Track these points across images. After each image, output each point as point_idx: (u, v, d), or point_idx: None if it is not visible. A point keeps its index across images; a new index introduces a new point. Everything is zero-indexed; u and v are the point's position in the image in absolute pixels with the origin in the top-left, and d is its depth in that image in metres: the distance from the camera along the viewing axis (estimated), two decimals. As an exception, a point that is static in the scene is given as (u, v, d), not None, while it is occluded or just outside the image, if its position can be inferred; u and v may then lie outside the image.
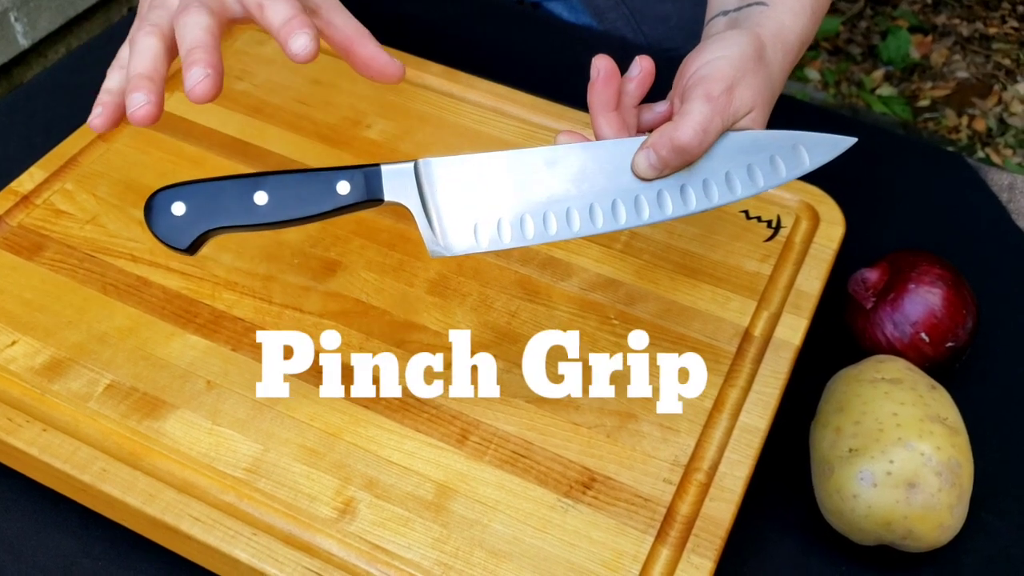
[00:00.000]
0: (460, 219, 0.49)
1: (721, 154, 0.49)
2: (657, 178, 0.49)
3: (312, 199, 0.49)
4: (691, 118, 0.48)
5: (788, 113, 0.78)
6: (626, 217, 0.49)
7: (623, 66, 0.51)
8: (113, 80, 0.50)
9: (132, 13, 0.84)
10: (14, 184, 0.64)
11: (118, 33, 0.82)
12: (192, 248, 0.49)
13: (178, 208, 0.48)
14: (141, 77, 0.47)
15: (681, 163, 0.49)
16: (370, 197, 0.49)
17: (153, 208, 0.48)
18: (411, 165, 0.49)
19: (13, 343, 0.57)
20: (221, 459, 0.52)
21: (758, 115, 0.51)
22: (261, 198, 0.49)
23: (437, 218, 0.49)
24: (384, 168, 0.49)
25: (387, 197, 0.49)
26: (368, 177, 0.49)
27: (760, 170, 0.50)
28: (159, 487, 0.50)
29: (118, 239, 0.62)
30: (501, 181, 0.49)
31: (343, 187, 0.49)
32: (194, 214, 0.48)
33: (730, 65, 0.50)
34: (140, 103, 0.46)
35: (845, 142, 0.50)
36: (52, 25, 1.45)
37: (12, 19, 1.39)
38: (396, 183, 0.49)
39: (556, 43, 0.82)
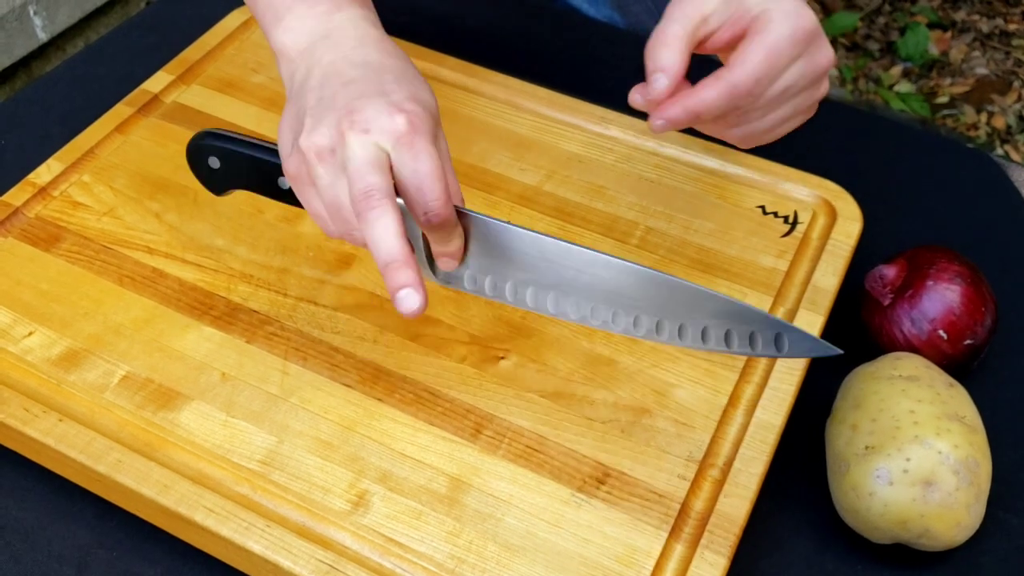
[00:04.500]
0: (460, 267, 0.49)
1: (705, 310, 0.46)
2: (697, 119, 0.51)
3: None
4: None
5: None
6: (601, 323, 0.48)
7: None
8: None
9: (149, 6, 0.84)
10: (32, 176, 0.65)
11: (136, 26, 0.82)
12: (224, 193, 0.55)
13: (214, 162, 0.53)
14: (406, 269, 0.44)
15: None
16: None
17: (193, 154, 0.54)
18: None
19: (30, 334, 0.57)
20: (235, 451, 0.52)
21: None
22: (285, 184, 0.51)
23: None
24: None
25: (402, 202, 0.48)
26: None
27: (737, 340, 0.46)
28: (174, 478, 0.51)
29: (135, 231, 0.62)
30: (507, 254, 0.48)
31: None
32: (227, 172, 0.53)
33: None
34: (412, 301, 0.44)
35: (831, 351, 0.45)
36: (71, 19, 1.46)
37: (31, 13, 1.39)
38: None
39: (572, 37, 0.82)
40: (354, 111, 0.45)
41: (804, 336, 0.45)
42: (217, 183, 0.54)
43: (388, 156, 0.45)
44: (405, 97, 0.46)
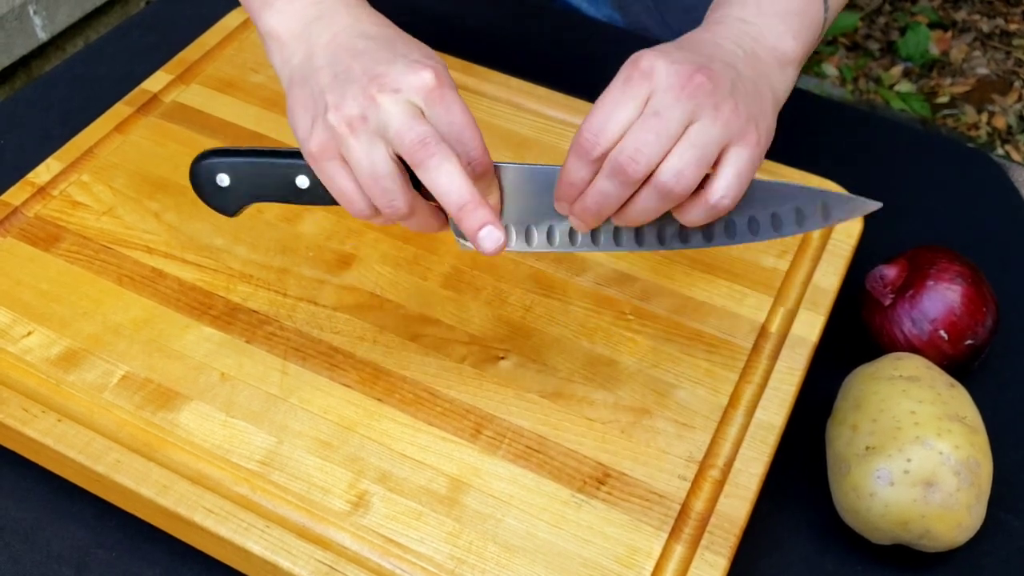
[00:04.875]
0: None
1: (749, 199, 0.49)
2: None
3: None
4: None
5: (805, 109, 0.78)
6: (657, 243, 0.50)
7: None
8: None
9: (149, 6, 0.84)
10: (31, 175, 0.64)
11: (135, 26, 0.82)
12: (236, 214, 0.53)
13: (223, 180, 0.51)
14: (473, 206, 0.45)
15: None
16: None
17: (198, 176, 0.51)
18: None
19: (29, 333, 0.57)
20: (235, 451, 0.52)
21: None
22: (303, 182, 0.50)
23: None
24: None
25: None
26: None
27: (784, 220, 0.49)
28: (173, 478, 0.51)
29: (134, 231, 0.62)
30: (531, 190, 0.49)
31: None
32: (239, 188, 0.51)
33: None
34: (494, 237, 0.45)
35: (871, 205, 0.49)
36: (71, 18, 1.46)
37: (31, 12, 1.39)
38: None
39: (572, 36, 0.82)
40: (379, 76, 0.45)
41: (843, 198, 0.48)
42: (229, 201, 0.52)
43: (422, 111, 0.45)
44: (422, 55, 0.47)
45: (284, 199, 0.51)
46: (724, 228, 0.49)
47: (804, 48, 0.52)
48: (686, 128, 0.45)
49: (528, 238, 0.50)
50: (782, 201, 0.49)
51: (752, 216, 0.49)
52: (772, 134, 0.48)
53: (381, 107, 0.45)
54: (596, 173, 0.46)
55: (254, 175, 0.51)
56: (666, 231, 0.50)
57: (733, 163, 0.45)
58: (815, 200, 0.49)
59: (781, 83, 0.50)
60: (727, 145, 0.45)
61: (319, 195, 0.50)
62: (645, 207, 0.46)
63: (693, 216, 0.47)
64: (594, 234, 0.50)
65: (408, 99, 0.45)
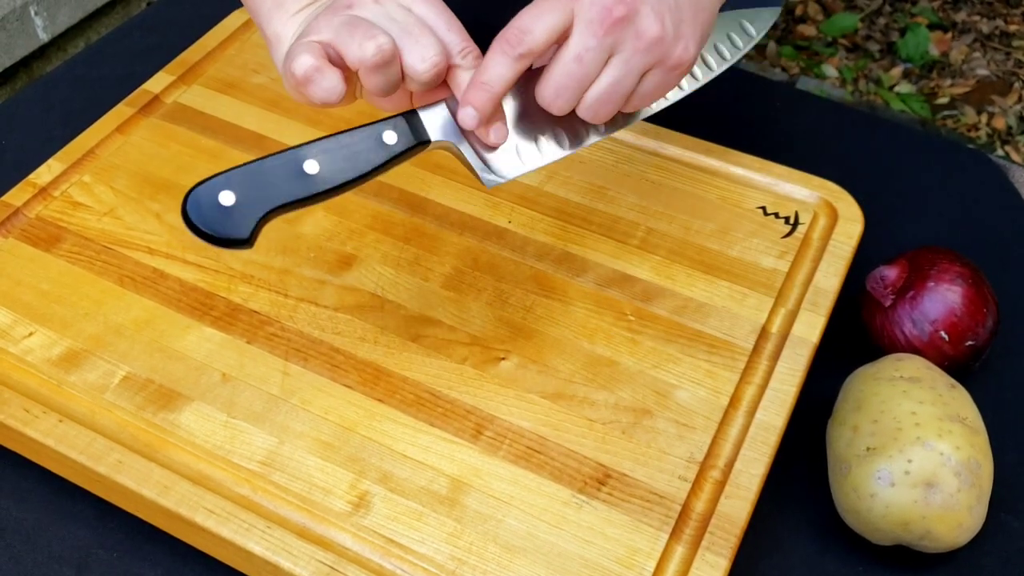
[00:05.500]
0: (502, 145, 0.50)
1: None
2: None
3: (363, 156, 0.48)
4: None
5: (805, 110, 0.78)
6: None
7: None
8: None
9: (150, 7, 0.84)
10: (32, 176, 0.65)
11: (136, 26, 0.82)
12: (251, 239, 0.45)
13: (227, 198, 0.45)
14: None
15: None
16: (418, 141, 0.49)
17: (198, 204, 0.45)
18: (443, 104, 0.49)
19: (30, 334, 0.57)
20: (236, 452, 0.52)
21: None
22: (312, 167, 0.47)
23: (481, 149, 0.50)
24: (421, 112, 0.49)
25: (433, 137, 0.49)
26: (410, 122, 0.49)
27: (723, 46, 0.55)
28: (174, 479, 0.51)
29: (135, 231, 0.62)
30: (524, 103, 0.50)
31: (390, 137, 0.48)
32: (247, 201, 0.45)
33: None
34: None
35: (774, 11, 0.57)
36: (72, 19, 1.46)
37: (32, 13, 1.39)
38: (436, 123, 0.49)
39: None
40: None
41: (754, 13, 0.56)
42: (237, 222, 0.45)
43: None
44: None
45: (294, 198, 0.47)
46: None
47: None
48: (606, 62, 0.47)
49: (520, 152, 0.51)
50: (714, 31, 0.55)
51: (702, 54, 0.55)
52: (699, 44, 0.50)
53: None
54: (515, 74, 0.47)
55: (259, 178, 0.46)
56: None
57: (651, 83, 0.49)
58: (734, 22, 0.56)
59: None
60: (649, 68, 0.48)
61: (329, 179, 0.47)
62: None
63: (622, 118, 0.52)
64: (561, 135, 0.52)
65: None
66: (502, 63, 0.47)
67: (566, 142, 0.51)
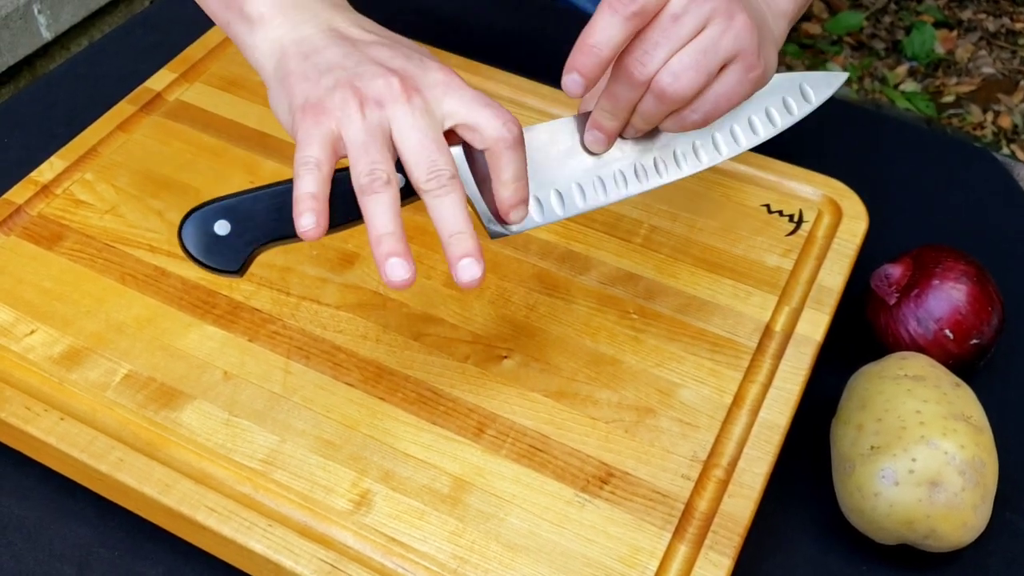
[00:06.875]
0: None
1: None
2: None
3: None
4: None
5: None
6: (668, 173, 0.51)
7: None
8: (311, 184, 0.44)
9: (152, 5, 0.84)
10: (34, 174, 0.64)
11: (139, 24, 0.82)
12: (242, 270, 0.46)
13: (222, 227, 0.45)
14: (394, 239, 0.44)
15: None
16: None
17: (193, 231, 0.45)
18: (459, 148, 0.48)
19: (32, 332, 0.57)
20: (237, 450, 0.52)
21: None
22: None
23: (490, 199, 0.48)
24: None
25: None
26: None
27: (776, 111, 0.52)
28: (175, 477, 0.50)
29: (137, 229, 0.62)
30: (543, 155, 0.50)
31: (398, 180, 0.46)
32: (240, 232, 0.45)
33: None
34: (403, 272, 0.44)
35: (839, 77, 0.53)
36: (75, 18, 1.46)
37: (35, 11, 1.39)
38: None
39: (575, 35, 0.81)
40: (408, 75, 0.47)
41: (816, 77, 0.52)
42: (232, 252, 0.46)
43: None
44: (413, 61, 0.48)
45: (287, 235, 0.46)
46: (728, 134, 0.51)
47: (795, 7, 0.54)
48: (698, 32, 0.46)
49: (541, 208, 0.50)
50: (769, 94, 0.52)
51: (750, 116, 0.51)
52: (774, 68, 0.49)
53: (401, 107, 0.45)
54: (625, 37, 0.45)
55: (255, 212, 0.46)
56: (675, 151, 0.51)
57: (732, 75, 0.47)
58: (793, 84, 0.52)
59: (777, 29, 0.52)
60: (732, 58, 0.46)
61: (333, 213, 0.46)
62: (646, 110, 0.47)
63: (688, 120, 0.48)
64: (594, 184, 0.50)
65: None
66: (612, 23, 0.44)
67: (582, 200, 0.50)
